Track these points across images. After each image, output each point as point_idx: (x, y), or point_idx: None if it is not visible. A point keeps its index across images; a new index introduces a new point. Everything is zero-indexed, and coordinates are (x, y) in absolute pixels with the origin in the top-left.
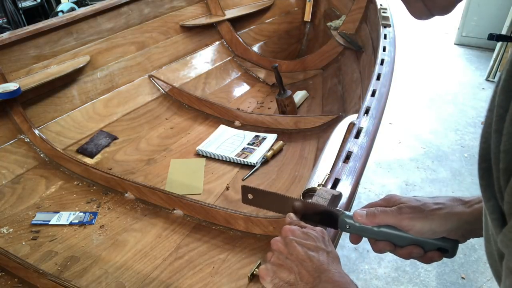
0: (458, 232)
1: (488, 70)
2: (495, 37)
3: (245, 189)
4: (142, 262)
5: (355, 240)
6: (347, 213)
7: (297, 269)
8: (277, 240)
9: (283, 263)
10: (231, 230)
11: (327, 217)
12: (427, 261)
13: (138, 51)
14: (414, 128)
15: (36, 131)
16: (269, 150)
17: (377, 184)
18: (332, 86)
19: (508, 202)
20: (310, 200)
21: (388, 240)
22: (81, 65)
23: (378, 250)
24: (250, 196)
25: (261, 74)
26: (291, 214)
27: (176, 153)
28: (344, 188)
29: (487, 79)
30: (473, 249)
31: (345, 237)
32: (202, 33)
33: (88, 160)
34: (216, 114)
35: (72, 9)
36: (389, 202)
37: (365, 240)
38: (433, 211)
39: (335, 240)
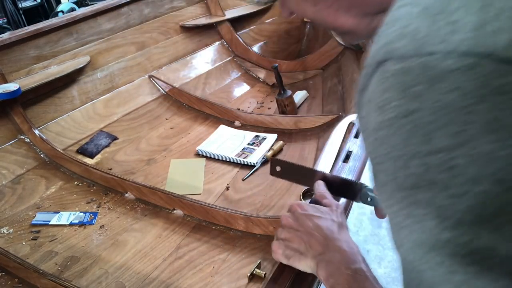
0: None
1: None
2: None
3: (274, 162)
4: (142, 262)
5: (381, 215)
6: (369, 187)
7: (307, 239)
8: (286, 216)
9: (293, 235)
10: (231, 230)
11: (347, 188)
12: None
13: (138, 51)
14: None
15: (36, 131)
16: (269, 150)
17: None
18: (332, 86)
19: None
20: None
21: None
22: (81, 66)
23: None
24: (278, 168)
25: (261, 74)
26: (320, 182)
27: (176, 153)
28: None
29: None
30: None
31: None
32: (202, 33)
33: (88, 160)
34: (216, 114)
35: (72, 9)
36: None
37: (365, 240)
38: None
39: (347, 210)
